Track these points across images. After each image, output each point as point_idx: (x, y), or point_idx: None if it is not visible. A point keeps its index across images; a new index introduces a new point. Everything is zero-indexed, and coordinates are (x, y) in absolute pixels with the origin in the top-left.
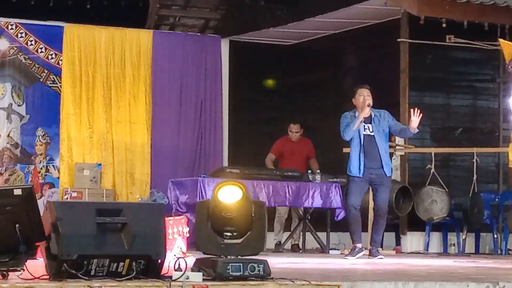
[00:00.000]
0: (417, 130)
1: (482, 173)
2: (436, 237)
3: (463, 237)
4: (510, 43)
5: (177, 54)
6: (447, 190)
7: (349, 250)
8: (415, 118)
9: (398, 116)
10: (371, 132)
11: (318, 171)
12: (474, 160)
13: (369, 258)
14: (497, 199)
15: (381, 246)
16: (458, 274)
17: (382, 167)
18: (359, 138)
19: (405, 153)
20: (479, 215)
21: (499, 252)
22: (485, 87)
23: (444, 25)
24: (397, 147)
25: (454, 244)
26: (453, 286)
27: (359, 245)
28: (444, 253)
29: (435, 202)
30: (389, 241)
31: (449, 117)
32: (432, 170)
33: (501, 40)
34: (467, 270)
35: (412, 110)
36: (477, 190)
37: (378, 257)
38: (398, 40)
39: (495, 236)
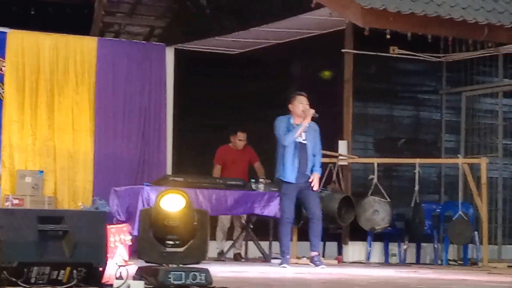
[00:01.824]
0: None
1: (424, 184)
2: (377, 247)
3: (404, 247)
4: None
5: (122, 61)
6: (389, 200)
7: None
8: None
9: (342, 125)
10: (304, 140)
11: (263, 179)
12: (416, 171)
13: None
14: (438, 210)
15: (323, 256)
16: (399, 284)
17: (309, 175)
18: (294, 144)
19: (348, 163)
20: (421, 225)
21: (439, 262)
22: (428, 99)
23: (388, 36)
24: (340, 157)
25: (395, 254)
26: None
27: (288, 256)
28: (386, 263)
29: (377, 212)
30: (331, 250)
31: (392, 128)
32: (375, 181)
33: None
34: (408, 280)
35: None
36: (419, 201)
37: (321, 266)
38: (343, 50)
39: (436, 246)
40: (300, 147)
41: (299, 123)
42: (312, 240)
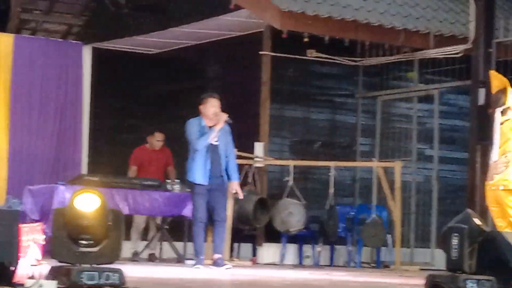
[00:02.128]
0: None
1: (339, 187)
2: (292, 248)
3: (319, 249)
4: (499, 75)
5: (38, 59)
6: (304, 202)
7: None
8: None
9: (258, 127)
10: (216, 141)
11: (177, 180)
12: (332, 174)
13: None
14: (352, 213)
15: (238, 257)
16: (312, 286)
17: (222, 176)
18: (206, 146)
19: (264, 165)
20: (335, 227)
21: (352, 264)
22: (344, 102)
23: (306, 39)
24: (256, 159)
25: (309, 256)
26: None
27: (202, 257)
28: (299, 264)
29: (292, 214)
30: (245, 252)
31: (308, 131)
32: (290, 183)
33: (492, 71)
34: (321, 282)
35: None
36: (334, 203)
37: (226, 267)
38: (261, 52)
39: (350, 249)
40: (212, 149)
41: (211, 125)
42: (216, 242)
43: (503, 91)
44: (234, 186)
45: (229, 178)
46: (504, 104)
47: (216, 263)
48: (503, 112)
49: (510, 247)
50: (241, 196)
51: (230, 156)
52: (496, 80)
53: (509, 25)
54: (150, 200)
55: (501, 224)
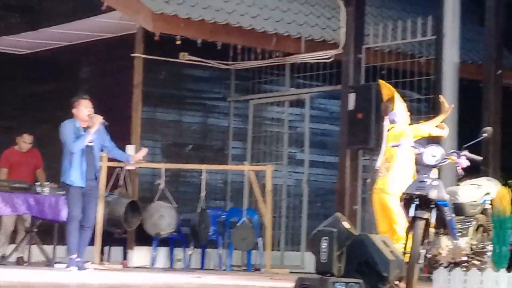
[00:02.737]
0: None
1: (210, 190)
2: (163, 252)
3: (190, 252)
4: (387, 85)
5: None
6: (175, 205)
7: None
8: (141, 155)
9: (130, 129)
10: (91, 142)
11: (47, 182)
12: (203, 177)
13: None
14: (223, 216)
15: (108, 260)
16: None
17: (96, 178)
18: (81, 148)
19: (135, 167)
20: (206, 231)
21: (223, 267)
22: (216, 105)
23: (178, 42)
24: None
25: (180, 259)
26: None
27: (74, 256)
28: (170, 268)
29: (163, 217)
30: (116, 255)
31: (180, 134)
32: (162, 186)
33: (380, 81)
34: (192, 286)
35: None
36: (205, 207)
37: (88, 270)
38: (133, 55)
39: (220, 252)
40: (87, 151)
41: (85, 127)
42: (80, 246)
43: (391, 99)
44: (136, 157)
45: (126, 158)
46: (392, 111)
47: (78, 266)
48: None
49: (378, 250)
50: (143, 152)
51: (112, 145)
52: (385, 89)
53: (378, 32)
54: (18, 203)
55: (382, 229)
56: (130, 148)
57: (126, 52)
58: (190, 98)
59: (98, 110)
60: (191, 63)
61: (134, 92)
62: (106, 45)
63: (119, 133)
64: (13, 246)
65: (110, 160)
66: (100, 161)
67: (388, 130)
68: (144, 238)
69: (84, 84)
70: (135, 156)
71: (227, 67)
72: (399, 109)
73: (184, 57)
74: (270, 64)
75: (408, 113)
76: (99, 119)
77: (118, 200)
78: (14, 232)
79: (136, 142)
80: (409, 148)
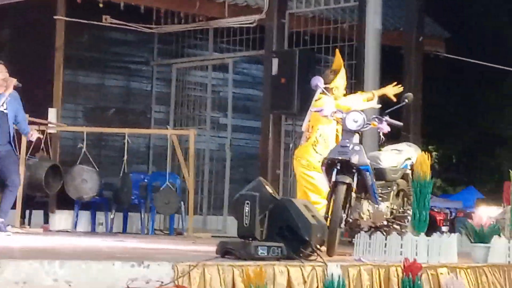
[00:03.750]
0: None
1: (133, 154)
2: (85, 215)
3: (112, 216)
4: (339, 57)
5: None
6: (97, 169)
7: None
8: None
9: (52, 93)
10: (5, 109)
11: None
12: (126, 141)
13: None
14: (146, 180)
15: (29, 224)
16: (105, 253)
17: (11, 143)
18: None
19: (57, 131)
20: (128, 195)
21: (146, 231)
22: (139, 69)
23: (101, 5)
24: (49, 125)
25: (102, 223)
26: (99, 265)
27: (2, 219)
28: (92, 231)
29: (86, 181)
30: (37, 219)
31: (102, 97)
32: (84, 150)
33: (336, 50)
34: (113, 249)
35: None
36: (127, 171)
37: (6, 233)
38: (55, 17)
39: (143, 216)
40: (1, 117)
41: (1, 92)
42: (3, 207)
43: (336, 71)
44: (29, 136)
45: (25, 133)
46: (330, 82)
47: None
48: (328, 90)
49: (300, 215)
50: (37, 135)
51: (22, 120)
52: (336, 60)
53: None
54: None
55: (299, 194)
56: (51, 112)
57: (47, 15)
58: (112, 62)
59: (18, 74)
60: (114, 27)
61: (56, 55)
62: (26, 7)
63: (40, 97)
64: None
65: (31, 123)
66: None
67: (317, 100)
68: (66, 202)
69: (4, 47)
70: (30, 135)
71: (150, 30)
72: (337, 83)
73: (107, 20)
74: (194, 28)
75: (344, 92)
76: (13, 82)
77: (39, 164)
78: None
79: (57, 106)
80: (332, 113)
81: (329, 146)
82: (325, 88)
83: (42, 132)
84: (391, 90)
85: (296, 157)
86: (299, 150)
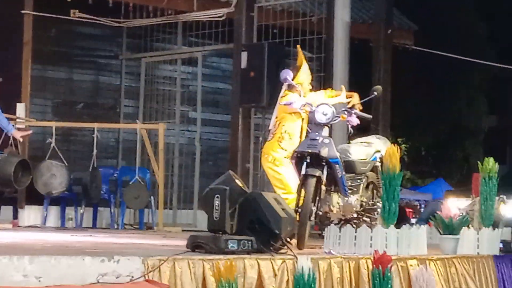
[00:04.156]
0: None
1: (102, 148)
2: (54, 211)
3: (81, 211)
4: (301, 53)
5: None
6: (67, 164)
7: None
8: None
9: (20, 88)
10: None
11: None
12: (95, 135)
13: None
14: (115, 174)
15: None
16: (74, 248)
17: None
18: None
19: (25, 126)
20: (98, 189)
21: (116, 226)
22: (108, 64)
23: None
24: (18, 120)
25: (72, 218)
26: (69, 260)
27: None
28: (62, 227)
29: (55, 176)
30: (6, 214)
31: (71, 92)
32: (53, 144)
33: (298, 46)
34: (83, 244)
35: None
36: (97, 165)
37: None
38: (23, 11)
39: (113, 211)
40: None
41: None
42: None
43: (298, 68)
44: (20, 134)
45: (9, 129)
46: (293, 79)
47: None
48: (292, 87)
49: (270, 208)
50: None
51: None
52: (298, 56)
53: None
54: None
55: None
56: (20, 107)
57: (15, 9)
58: (81, 56)
59: None
60: (82, 21)
61: (24, 50)
62: None
63: (9, 92)
64: None
65: None
66: None
67: (282, 97)
68: (35, 197)
69: None
70: (19, 132)
71: (119, 25)
72: (301, 79)
73: (75, 15)
74: (163, 22)
75: (309, 87)
76: None
77: (7, 159)
78: None
79: (26, 101)
80: (301, 106)
81: (294, 143)
82: (289, 84)
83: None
84: (357, 100)
85: (263, 154)
86: (266, 146)
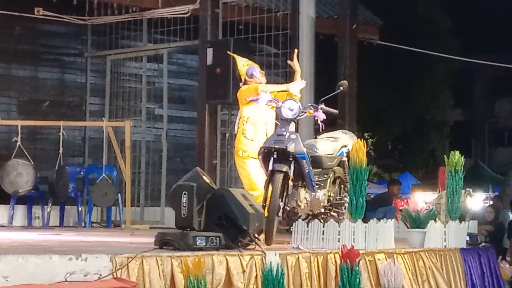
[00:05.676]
0: None
1: (68, 147)
2: (21, 210)
3: (48, 210)
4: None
5: None
6: (33, 163)
7: None
8: None
9: None
10: None
11: None
12: (61, 134)
13: None
14: (82, 172)
15: None
16: (42, 247)
17: None
18: None
19: None
20: (64, 188)
21: (83, 224)
22: (73, 61)
23: None
24: None
25: (38, 217)
26: (36, 259)
27: None
28: (29, 226)
29: (21, 175)
30: None
31: (36, 90)
32: (18, 143)
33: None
34: (50, 243)
35: None
36: (63, 163)
37: None
38: None
39: (80, 209)
40: None
41: None
42: None
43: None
44: None
45: None
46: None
47: None
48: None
49: (237, 204)
50: None
51: None
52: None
53: None
54: None
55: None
56: None
57: None
58: (46, 54)
59: None
60: (47, 18)
61: None
62: None
63: None
64: None
65: None
66: None
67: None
68: (1, 196)
69: None
70: None
71: (84, 22)
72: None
73: (39, 12)
74: (127, 19)
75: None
76: None
77: None
78: None
79: None
80: (267, 102)
81: (259, 130)
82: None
83: None
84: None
85: (235, 151)
86: (235, 142)
